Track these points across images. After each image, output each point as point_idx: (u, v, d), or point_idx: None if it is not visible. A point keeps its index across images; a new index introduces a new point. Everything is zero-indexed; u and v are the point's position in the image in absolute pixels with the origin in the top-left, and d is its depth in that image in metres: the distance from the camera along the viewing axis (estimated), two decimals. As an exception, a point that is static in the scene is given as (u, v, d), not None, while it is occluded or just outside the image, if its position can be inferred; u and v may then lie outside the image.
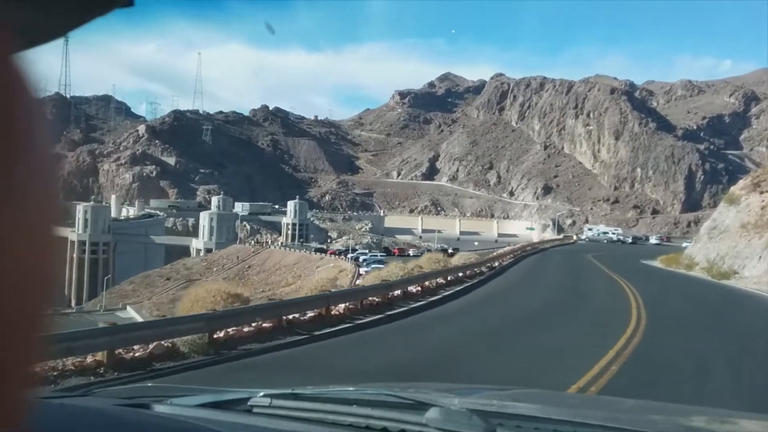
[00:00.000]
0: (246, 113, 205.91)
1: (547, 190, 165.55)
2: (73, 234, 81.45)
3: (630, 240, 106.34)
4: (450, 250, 58.71)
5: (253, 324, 13.02)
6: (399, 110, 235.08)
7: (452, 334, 14.07)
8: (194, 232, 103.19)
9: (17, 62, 0.39)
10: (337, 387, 2.37)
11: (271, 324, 13.31)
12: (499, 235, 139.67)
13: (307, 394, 2.15)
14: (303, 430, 1.88)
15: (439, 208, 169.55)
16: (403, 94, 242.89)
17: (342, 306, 16.14)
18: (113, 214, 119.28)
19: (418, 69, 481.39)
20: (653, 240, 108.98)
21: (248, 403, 2.05)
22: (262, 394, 2.10)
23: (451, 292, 21.66)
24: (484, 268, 30.29)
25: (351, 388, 2.30)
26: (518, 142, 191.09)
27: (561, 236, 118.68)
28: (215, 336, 11.70)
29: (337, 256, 57.85)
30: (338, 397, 2.15)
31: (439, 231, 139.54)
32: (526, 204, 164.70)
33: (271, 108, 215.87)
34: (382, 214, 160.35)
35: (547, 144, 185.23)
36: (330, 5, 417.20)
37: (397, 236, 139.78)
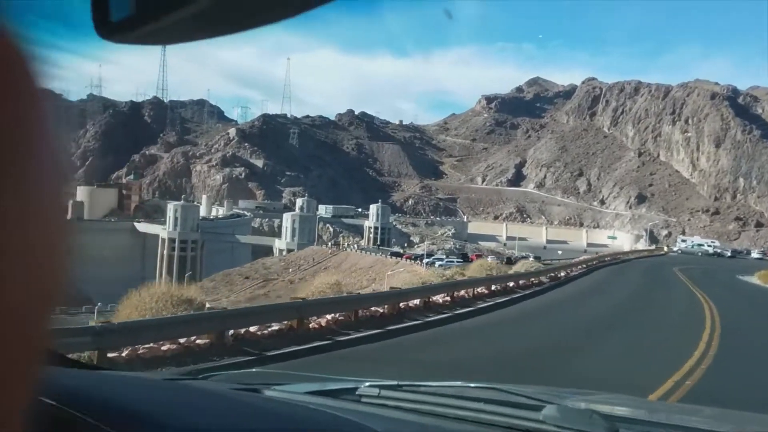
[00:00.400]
0: (332, 117, 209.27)
1: (641, 199, 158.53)
2: (164, 232, 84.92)
3: (729, 253, 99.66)
4: (527, 258, 56.80)
5: (182, 340, 10.49)
6: (485, 115, 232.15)
7: (450, 360, 11.18)
8: (279, 232, 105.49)
9: (19, 56, 0.38)
10: (443, 382, 2.29)
11: (207, 340, 10.87)
12: (588, 244, 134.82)
13: (415, 387, 2.14)
14: (412, 420, 1.87)
15: (524, 216, 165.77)
16: (489, 99, 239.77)
17: (328, 317, 13.63)
18: (204, 214, 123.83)
19: (505, 73, 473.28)
20: (755, 254, 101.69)
21: (356, 393, 2.07)
22: (368, 384, 2.11)
23: (488, 304, 19.23)
24: (544, 278, 27.96)
25: (458, 383, 2.25)
26: (610, 148, 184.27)
27: (653, 247, 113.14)
28: (110, 355, 9.48)
29: (412, 261, 57.28)
30: (445, 391, 2.14)
31: (523, 239, 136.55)
32: (618, 213, 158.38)
33: (357, 113, 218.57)
34: (465, 219, 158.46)
35: (642, 151, 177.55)
36: (419, 10, 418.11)
37: (480, 243, 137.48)
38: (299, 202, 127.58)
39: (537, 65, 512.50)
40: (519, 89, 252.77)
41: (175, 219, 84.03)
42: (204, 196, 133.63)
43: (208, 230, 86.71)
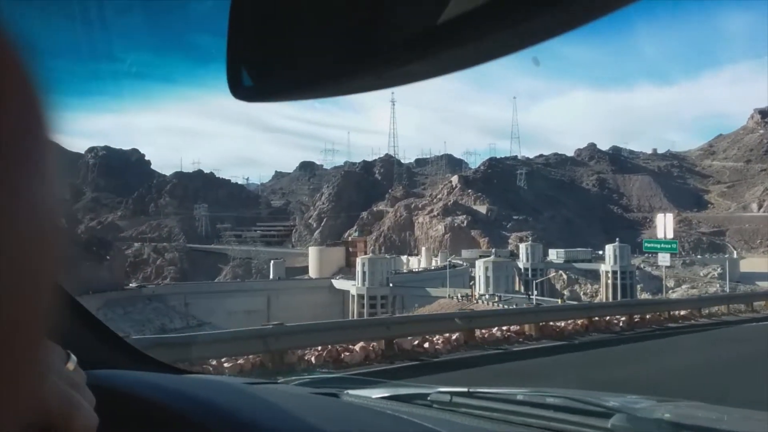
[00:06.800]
0: (570, 154, 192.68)
1: None
2: (354, 288, 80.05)
3: None
4: None
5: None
6: (761, 131, 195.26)
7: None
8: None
9: (14, 60, 0.38)
10: (513, 389, 2.35)
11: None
12: None
13: (484, 393, 2.18)
14: (481, 426, 1.90)
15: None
16: (764, 113, 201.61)
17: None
18: (425, 266, 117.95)
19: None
20: None
21: (428, 399, 2.11)
22: (439, 390, 2.16)
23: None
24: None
25: (525, 390, 2.30)
26: None
27: None
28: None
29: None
30: (514, 398, 2.18)
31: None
32: None
33: (606, 148, 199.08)
34: (735, 255, 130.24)
35: None
36: (682, 33, 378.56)
37: (757, 283, 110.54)
38: (522, 247, 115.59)
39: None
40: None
41: (363, 273, 78.55)
42: (423, 248, 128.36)
43: (399, 284, 79.51)
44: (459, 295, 54.72)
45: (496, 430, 1.89)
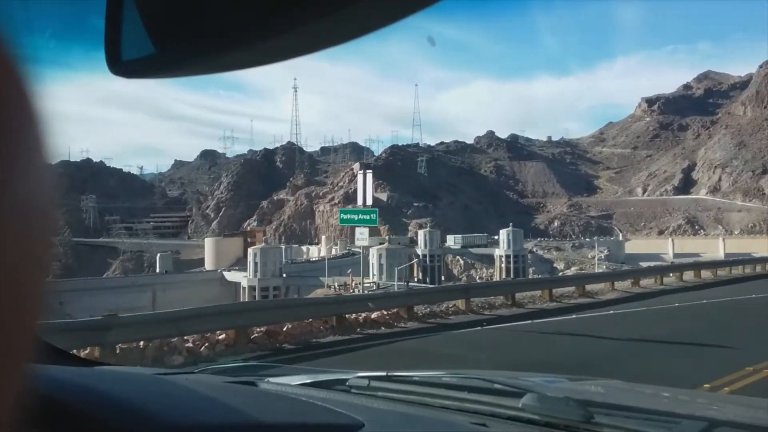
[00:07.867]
0: (469, 142, 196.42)
1: None
2: (245, 279, 77.58)
3: None
4: None
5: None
6: (647, 119, 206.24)
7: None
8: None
9: (9, 66, 0.38)
10: (430, 372, 2.40)
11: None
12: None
13: (402, 377, 2.24)
14: (397, 410, 1.93)
15: (696, 227, 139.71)
16: (651, 101, 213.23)
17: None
18: (324, 254, 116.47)
19: (671, 76, 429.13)
20: None
21: (347, 384, 2.15)
22: (358, 375, 2.21)
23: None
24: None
25: (443, 373, 2.36)
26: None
27: None
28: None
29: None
30: (431, 381, 2.24)
31: (696, 254, 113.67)
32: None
33: (506, 137, 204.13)
34: (621, 238, 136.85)
35: None
36: (580, 26, 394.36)
37: (641, 263, 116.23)
38: (421, 234, 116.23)
39: (715, 64, 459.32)
40: (687, 86, 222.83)
41: (255, 264, 76.17)
42: (323, 237, 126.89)
43: (293, 274, 77.76)
44: (336, 285, 53.46)
45: (412, 412, 1.89)
